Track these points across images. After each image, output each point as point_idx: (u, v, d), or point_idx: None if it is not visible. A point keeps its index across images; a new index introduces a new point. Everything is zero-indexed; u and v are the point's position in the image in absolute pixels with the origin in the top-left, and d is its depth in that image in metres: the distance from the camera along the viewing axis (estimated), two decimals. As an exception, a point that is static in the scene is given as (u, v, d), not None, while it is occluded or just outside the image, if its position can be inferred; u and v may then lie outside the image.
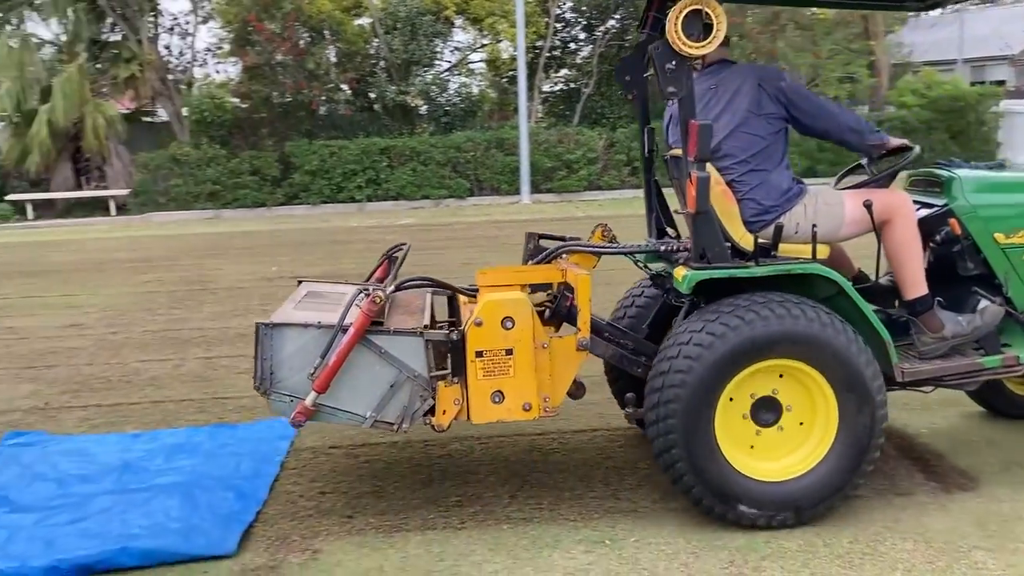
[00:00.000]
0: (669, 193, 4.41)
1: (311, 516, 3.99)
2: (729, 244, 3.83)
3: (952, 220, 4.05)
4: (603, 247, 4.20)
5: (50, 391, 6.16)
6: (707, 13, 3.52)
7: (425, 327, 3.73)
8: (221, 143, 19.89)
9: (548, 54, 21.91)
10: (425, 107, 21.61)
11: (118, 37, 20.98)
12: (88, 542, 3.69)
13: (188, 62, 22.79)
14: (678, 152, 3.93)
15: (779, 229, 3.82)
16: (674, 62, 3.55)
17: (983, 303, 4.04)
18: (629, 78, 4.26)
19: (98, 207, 20.22)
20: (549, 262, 4.09)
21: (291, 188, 19.59)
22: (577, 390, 4.04)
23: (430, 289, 4.25)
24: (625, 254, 4.23)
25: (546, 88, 23.28)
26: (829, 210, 3.95)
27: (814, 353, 3.61)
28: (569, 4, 22.14)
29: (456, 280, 4.33)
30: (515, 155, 19.26)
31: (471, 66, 23.14)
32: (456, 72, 22.34)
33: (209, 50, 22.89)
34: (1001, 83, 33.53)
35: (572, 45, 23.15)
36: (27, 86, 19.39)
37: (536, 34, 20.89)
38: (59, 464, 4.57)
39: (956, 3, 4.72)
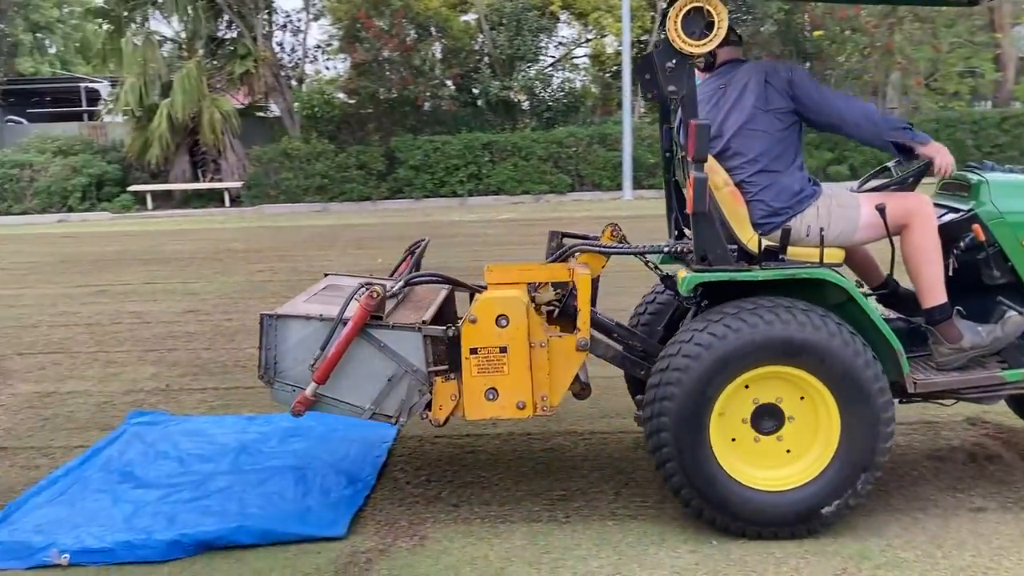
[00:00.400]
0: None
1: (418, 503, 4.06)
2: (736, 247, 3.73)
3: (976, 226, 3.81)
4: (611, 247, 4.12)
5: (171, 373, 6.45)
6: (708, 11, 3.44)
7: (423, 322, 3.74)
8: (329, 138, 20.44)
9: (655, 48, 21.68)
10: (528, 102, 21.71)
11: (234, 34, 21.76)
12: (208, 519, 3.85)
13: (299, 59, 23.47)
14: None
15: (786, 232, 3.70)
16: (674, 60, 3.48)
17: (1009, 313, 3.80)
18: (649, 76, 4.00)
19: (213, 198, 21.04)
20: (563, 260, 4.04)
21: (395, 182, 19.98)
22: (582, 390, 4.02)
23: (446, 285, 4.22)
24: (633, 255, 4.14)
25: (650, 83, 23.02)
26: (843, 213, 3.79)
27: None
28: (676, -2, 21.82)
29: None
30: (617, 151, 19.15)
31: (575, 61, 23.09)
32: (560, 67, 22.32)
33: (319, 47, 23.57)
34: None
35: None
36: (149, 82, 20.31)
37: (641, 28, 20.70)
38: (180, 443, 4.77)
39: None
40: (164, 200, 21.04)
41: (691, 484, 3.58)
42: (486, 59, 21.19)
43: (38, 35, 41.46)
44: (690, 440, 3.53)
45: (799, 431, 3.63)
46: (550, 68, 22.25)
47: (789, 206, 3.78)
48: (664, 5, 19.97)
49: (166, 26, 22.17)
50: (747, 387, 3.58)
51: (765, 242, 3.75)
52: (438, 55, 21.38)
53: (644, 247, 4.11)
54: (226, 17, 21.37)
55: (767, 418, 3.63)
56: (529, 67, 21.02)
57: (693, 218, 3.58)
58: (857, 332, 3.53)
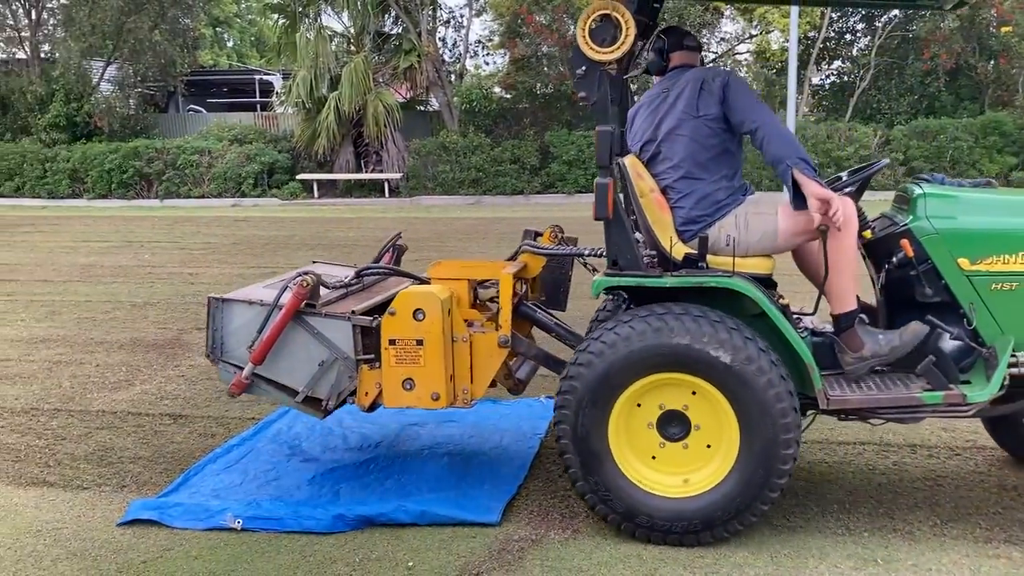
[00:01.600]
0: None
1: (571, 496, 4.06)
2: (658, 253, 3.72)
3: (904, 241, 3.56)
4: (549, 249, 4.22)
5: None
6: (616, 18, 3.40)
7: (353, 312, 3.85)
8: (486, 132, 20.78)
9: (821, 45, 20.88)
10: (686, 99, 21.33)
11: (399, 30, 22.42)
12: (369, 496, 4.00)
13: (460, 54, 23.96)
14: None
15: (703, 240, 3.65)
16: (584, 67, 3.52)
17: (911, 323, 3.61)
18: (610, 80, 3.90)
19: (374, 188, 21.80)
20: (513, 259, 4.11)
21: (548, 177, 20.09)
22: (516, 385, 4.15)
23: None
24: (561, 256, 4.20)
25: (816, 81, 22.21)
26: (761, 221, 3.65)
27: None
28: (848, -8, 20.92)
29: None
30: (779, 150, 18.53)
31: (737, 57, 22.54)
32: (722, 63, 21.83)
33: (480, 42, 23.98)
34: None
35: (848, 36, 21.91)
36: (319, 75, 21.19)
37: (810, 24, 19.96)
38: (344, 420, 4.97)
39: (963, 5, 4.01)
40: (329, 188, 21.97)
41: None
42: (645, 55, 20.96)
43: (218, 29, 44.14)
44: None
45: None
46: (712, 64, 21.80)
47: (708, 214, 3.72)
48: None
49: (336, 21, 23.14)
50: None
51: (685, 250, 3.70)
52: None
53: (579, 250, 4.18)
54: (393, 13, 22.04)
55: (674, 425, 3.60)
56: (689, 63, 20.70)
57: (605, 224, 3.62)
58: (768, 343, 3.47)
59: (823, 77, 22.65)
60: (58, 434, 5.05)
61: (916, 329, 3.61)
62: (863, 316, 3.75)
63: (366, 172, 21.87)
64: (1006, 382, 3.49)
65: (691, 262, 3.69)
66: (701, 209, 3.73)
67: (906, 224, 3.69)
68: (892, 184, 16.60)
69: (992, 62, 20.48)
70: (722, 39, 22.39)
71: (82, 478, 4.42)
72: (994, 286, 3.59)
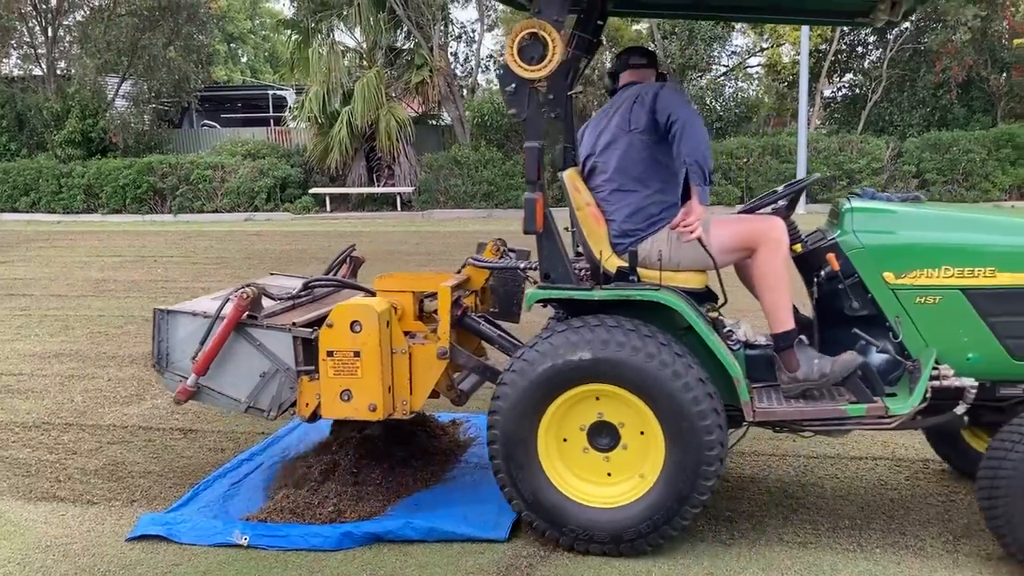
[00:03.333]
0: None
1: (579, 513, 4.04)
2: (592, 266, 3.76)
3: (830, 255, 3.58)
4: (490, 262, 4.30)
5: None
6: (543, 37, 3.44)
7: (294, 324, 3.89)
8: (497, 146, 20.83)
9: (832, 58, 20.85)
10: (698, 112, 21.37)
11: (411, 45, 22.51)
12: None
13: (472, 68, 24.06)
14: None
15: (633, 255, 3.71)
16: (513, 84, 3.55)
17: (846, 353, 3.63)
18: (552, 97, 3.89)
19: (386, 202, 21.86)
20: (461, 272, 4.18)
21: (559, 191, 20.06)
22: (459, 397, 4.16)
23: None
24: (500, 269, 4.28)
25: (828, 93, 22.17)
26: (691, 240, 3.64)
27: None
28: (859, 5, 20.90)
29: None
30: (791, 162, 18.52)
31: (748, 70, 22.55)
32: (732, 76, 21.84)
33: (491, 56, 24.05)
34: None
35: (860, 49, 21.88)
36: (332, 90, 21.29)
37: (821, 37, 19.95)
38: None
39: (910, 18, 3.96)
40: (341, 203, 22.04)
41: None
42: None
43: (232, 45, 44.52)
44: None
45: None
46: (722, 77, 21.82)
47: (640, 228, 3.77)
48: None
49: (349, 36, 23.27)
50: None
51: (618, 263, 3.74)
52: (608, 64, 21.38)
53: (516, 263, 4.24)
54: (405, 28, 22.14)
55: (604, 436, 3.65)
56: (701, 77, 20.69)
57: (537, 238, 3.68)
58: (698, 357, 3.52)
59: (835, 90, 22.62)
60: (69, 449, 5.06)
61: (848, 360, 3.63)
62: (803, 337, 3.78)
63: (378, 186, 21.94)
64: (928, 394, 3.50)
65: (623, 275, 3.75)
66: (633, 223, 3.79)
67: (834, 238, 3.73)
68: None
69: (1005, 74, 20.39)
70: (733, 52, 22.41)
71: (92, 493, 4.43)
72: (918, 299, 3.63)
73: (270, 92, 30.80)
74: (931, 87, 20.28)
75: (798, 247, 3.85)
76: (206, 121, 29.19)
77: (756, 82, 22.89)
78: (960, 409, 3.56)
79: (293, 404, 3.96)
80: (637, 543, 3.59)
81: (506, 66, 3.60)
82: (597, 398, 3.60)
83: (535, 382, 3.55)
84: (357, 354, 3.76)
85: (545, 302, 3.82)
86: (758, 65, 22.75)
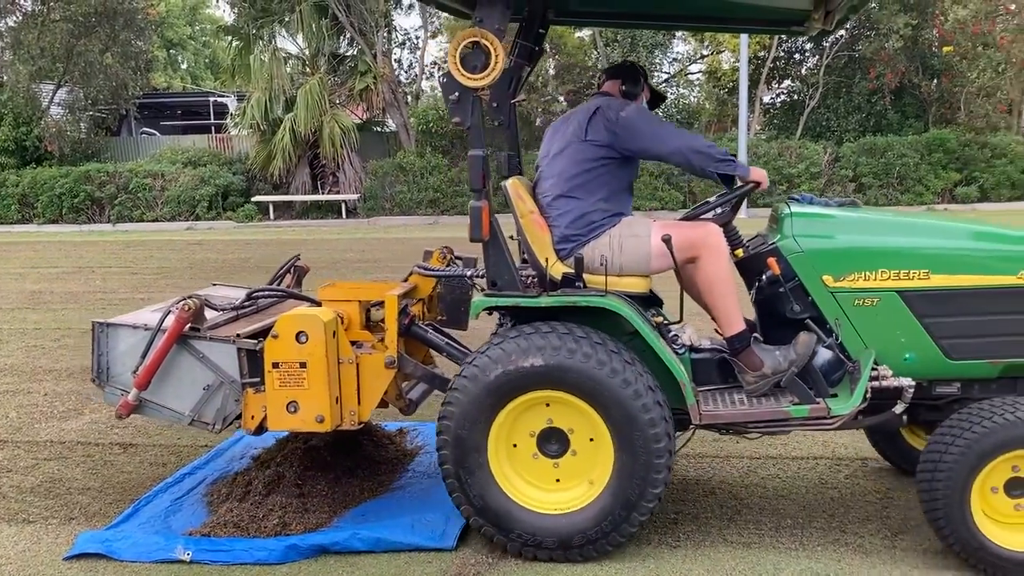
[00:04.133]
0: None
1: (527, 519, 4.06)
2: (538, 273, 3.77)
3: (770, 259, 3.68)
4: (435, 270, 4.30)
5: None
6: (485, 45, 3.48)
7: (238, 335, 3.86)
8: (443, 152, 20.81)
9: (771, 65, 21.26)
10: (640, 119, 21.58)
11: (355, 51, 22.41)
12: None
13: (416, 75, 24.02)
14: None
15: (579, 261, 3.71)
16: (456, 93, 3.56)
17: (799, 335, 3.71)
18: (496, 104, 4.05)
19: (331, 210, 21.70)
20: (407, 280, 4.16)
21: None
22: (407, 407, 4.11)
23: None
24: (447, 277, 4.29)
25: (767, 100, 22.60)
26: (635, 242, 3.76)
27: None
28: (796, 13, 21.34)
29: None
30: (732, 168, 18.80)
31: (690, 77, 22.87)
32: (674, 83, 22.13)
33: (436, 63, 24.05)
34: None
35: (797, 56, 22.35)
36: (274, 97, 21.09)
37: (760, 44, 20.32)
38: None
39: (844, 27, 4.18)
40: (285, 211, 21.81)
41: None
42: (600, 75, 21.20)
43: (171, 51, 43.77)
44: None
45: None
46: (664, 84, 22.08)
47: (581, 233, 3.81)
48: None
49: (291, 43, 23.06)
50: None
51: (564, 269, 3.77)
52: (551, 71, 21.51)
53: (463, 270, 4.23)
54: (348, 35, 22.03)
55: (553, 441, 3.66)
56: (643, 83, 20.92)
57: (483, 245, 3.70)
58: (644, 362, 3.55)
59: (773, 96, 23.08)
60: (3, 466, 4.92)
61: (806, 340, 3.71)
62: (757, 335, 3.85)
63: (322, 193, 21.78)
64: (868, 394, 3.58)
65: (569, 282, 3.76)
66: (575, 228, 3.82)
67: (774, 243, 3.81)
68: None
69: (935, 81, 21.01)
70: (674, 59, 22.71)
71: (28, 511, 4.31)
72: (856, 302, 3.72)
73: (211, 99, 30.36)
74: (866, 93, 20.79)
75: (740, 252, 3.91)
76: (145, 128, 28.65)
77: (697, 89, 23.23)
78: (899, 408, 3.66)
79: (238, 417, 3.91)
80: (585, 549, 3.61)
81: (449, 74, 3.59)
82: (547, 404, 3.62)
83: (487, 388, 3.55)
84: (303, 365, 3.72)
85: (491, 310, 3.82)
86: (699, 72, 23.08)
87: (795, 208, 3.85)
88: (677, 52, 22.76)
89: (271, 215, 21.49)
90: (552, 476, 3.69)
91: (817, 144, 19.65)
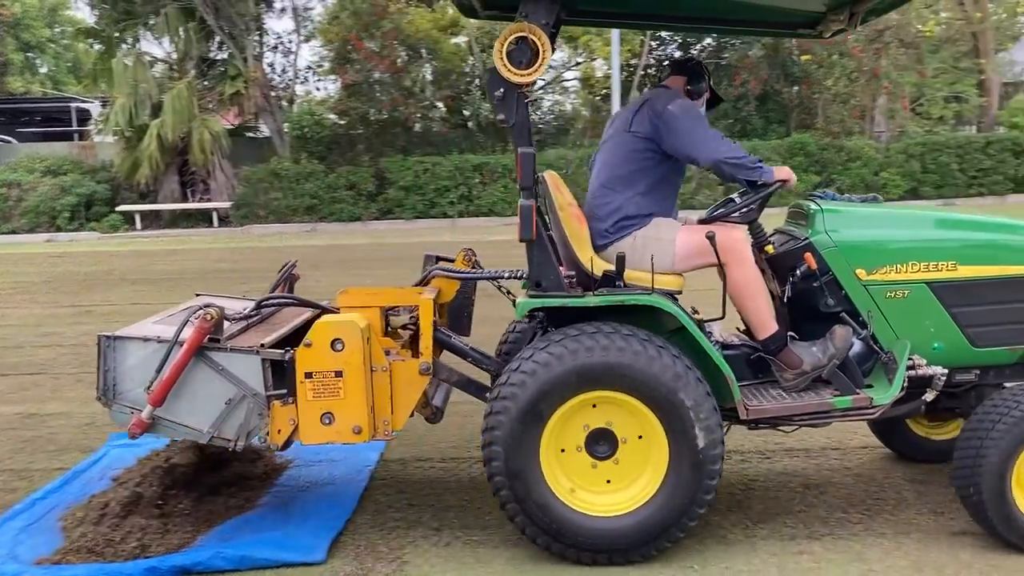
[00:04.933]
0: None
1: (399, 527, 4.03)
2: (577, 271, 3.78)
3: (807, 255, 3.87)
4: (463, 272, 4.17)
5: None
6: (533, 41, 3.47)
7: (262, 345, 3.71)
8: (319, 158, 20.46)
9: (643, 72, 21.82)
10: (518, 125, 21.75)
11: (225, 55, 21.79)
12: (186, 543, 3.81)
13: (290, 80, 23.54)
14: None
15: (621, 259, 3.72)
16: (502, 89, 3.52)
17: (833, 328, 3.85)
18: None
19: (202, 219, 21.00)
20: (424, 284, 4.05)
21: (385, 203, 19.99)
22: (434, 415, 4.04)
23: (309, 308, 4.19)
24: (480, 279, 4.18)
25: (640, 106, 23.17)
26: (659, 245, 3.85)
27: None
28: (665, 22, 21.97)
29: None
30: (607, 173, 19.18)
31: (565, 84, 23.23)
32: (550, 90, 22.43)
33: (310, 68, 23.66)
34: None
35: (667, 63, 22.99)
36: (139, 102, 20.27)
37: (631, 52, 20.84)
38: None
39: (834, 34, 4.49)
40: (153, 220, 20.98)
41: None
42: (476, 81, 21.28)
43: (29, 55, 41.48)
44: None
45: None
46: (540, 91, 22.36)
47: (609, 229, 3.88)
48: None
49: (157, 47, 22.25)
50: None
51: (604, 266, 3.80)
52: (428, 77, 21.47)
53: (494, 272, 4.15)
54: (217, 38, 21.40)
55: (601, 443, 3.62)
56: (519, 89, 21.10)
57: (527, 245, 3.65)
58: (690, 358, 3.56)
59: (646, 102, 23.65)
60: None
61: (843, 333, 3.81)
62: (792, 333, 3.92)
63: (193, 201, 21.06)
64: (905, 383, 3.72)
65: (609, 280, 3.73)
66: (607, 222, 3.88)
67: (807, 238, 3.91)
68: (710, 201, 17.40)
69: (796, 88, 22.02)
70: (550, 66, 23.02)
71: None
72: (888, 294, 3.88)
73: (73, 105, 28.93)
74: (732, 99, 21.60)
75: (770, 248, 3.98)
76: (0, 136, 27.06)
77: (573, 95, 23.63)
78: (929, 396, 3.80)
79: (263, 431, 3.70)
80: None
81: (493, 71, 3.52)
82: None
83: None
84: (339, 374, 3.56)
85: (534, 311, 3.75)
86: (574, 79, 23.49)
87: (825, 204, 3.97)
88: (553, 60, 23.09)
89: (138, 225, 20.63)
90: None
91: (688, 149, 20.24)
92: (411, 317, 3.95)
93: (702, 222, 4.03)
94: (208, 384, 3.68)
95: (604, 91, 21.63)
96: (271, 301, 4.17)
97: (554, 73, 23.05)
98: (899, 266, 3.86)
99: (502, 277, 4.13)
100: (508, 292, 4.28)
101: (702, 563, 3.64)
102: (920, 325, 3.89)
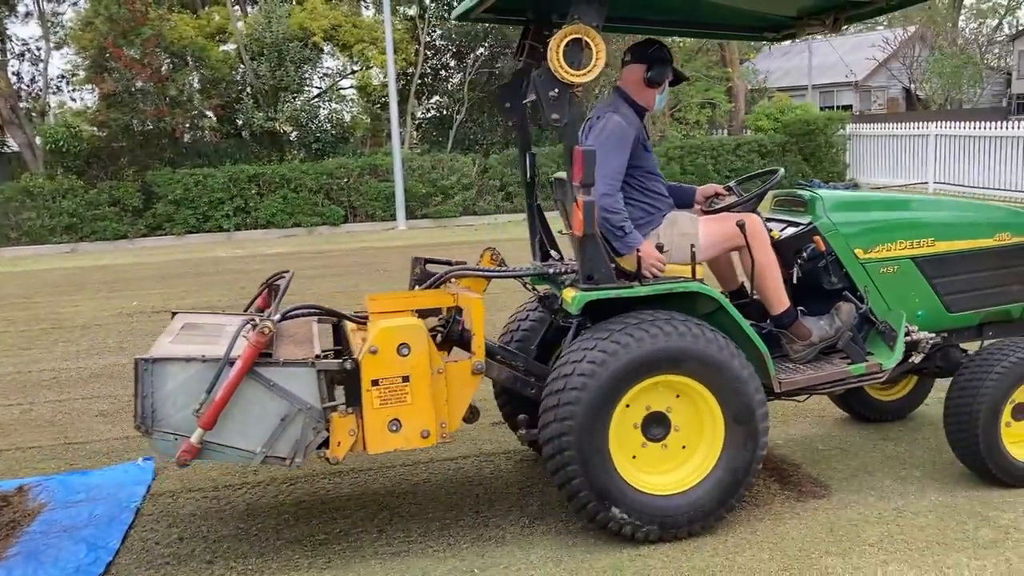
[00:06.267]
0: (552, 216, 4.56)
1: (168, 564, 3.82)
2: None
3: (817, 237, 4.30)
4: (493, 270, 4.23)
5: None
6: (587, 42, 3.58)
7: (316, 357, 3.65)
8: (78, 173, 19.00)
9: (419, 81, 21.96)
10: (295, 133, 21.29)
11: (-38, 63, 19.82)
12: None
13: (40, 90, 21.76)
14: (562, 175, 4.05)
15: (659, 248, 3.97)
16: (556, 90, 3.59)
17: (838, 304, 4.29)
18: (509, 105, 4.37)
19: (-59, 243, 18.95)
20: (438, 287, 4.05)
21: (154, 219, 18.87)
22: (471, 415, 4.08)
23: (316, 317, 4.13)
24: (514, 277, 4.28)
25: (419, 114, 23.30)
26: (683, 241, 4.09)
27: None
28: (439, 32, 22.25)
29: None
30: (389, 181, 19.15)
31: (342, 92, 22.94)
32: (327, 98, 22.08)
33: (63, 77, 21.98)
34: (848, 107, 35.75)
35: (443, 72, 23.28)
36: None
37: (406, 61, 20.89)
38: None
39: (808, 36, 5.01)
40: None
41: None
42: (248, 90, 20.57)
43: None
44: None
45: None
46: (317, 99, 21.95)
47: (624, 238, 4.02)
48: (426, 39, 20.28)
49: None
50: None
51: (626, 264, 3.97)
52: (196, 85, 20.51)
53: (522, 269, 4.22)
54: (-49, 44, 19.47)
55: (655, 425, 3.83)
56: (294, 98, 20.61)
57: (581, 240, 3.73)
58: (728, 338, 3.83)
59: (424, 111, 23.81)
60: None
61: (848, 307, 4.20)
62: (800, 308, 4.22)
63: (-69, 225, 18.94)
64: (903, 348, 4.15)
65: (632, 274, 3.88)
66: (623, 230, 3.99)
67: (811, 223, 4.28)
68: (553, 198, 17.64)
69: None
70: (325, 74, 22.65)
71: None
72: (882, 270, 4.32)
73: None
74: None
75: (775, 234, 4.29)
76: None
77: (351, 104, 23.34)
78: (917, 359, 4.26)
79: (321, 446, 3.50)
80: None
81: (546, 71, 3.53)
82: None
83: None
84: (406, 379, 3.52)
85: (589, 303, 3.74)
86: (351, 87, 23.21)
87: (822, 192, 4.35)
88: (328, 68, 22.71)
89: None
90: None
91: (467, 156, 20.58)
92: (440, 320, 4.04)
93: (706, 213, 4.38)
94: (257, 402, 3.48)
95: (383, 99, 21.55)
96: (296, 311, 3.93)
97: (330, 81, 22.72)
98: (889, 244, 4.32)
99: (524, 274, 4.22)
100: (533, 288, 4.52)
101: (482, 566, 3.70)
102: (907, 296, 4.36)
